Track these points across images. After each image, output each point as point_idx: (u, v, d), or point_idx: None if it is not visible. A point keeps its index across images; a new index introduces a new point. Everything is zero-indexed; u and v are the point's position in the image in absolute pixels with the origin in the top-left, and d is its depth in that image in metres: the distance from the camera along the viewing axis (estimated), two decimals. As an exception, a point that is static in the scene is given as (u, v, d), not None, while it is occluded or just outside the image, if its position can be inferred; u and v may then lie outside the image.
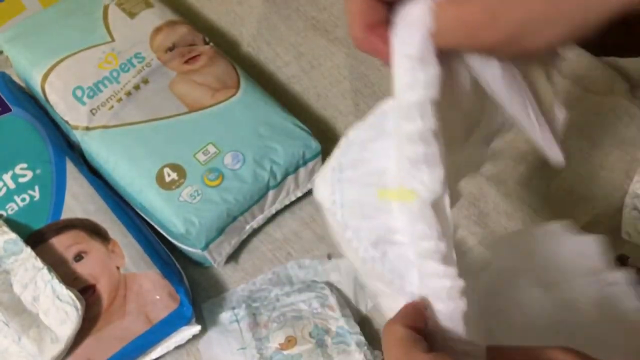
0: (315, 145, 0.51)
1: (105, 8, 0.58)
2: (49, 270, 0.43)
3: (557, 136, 0.30)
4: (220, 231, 0.48)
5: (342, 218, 0.28)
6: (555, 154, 0.29)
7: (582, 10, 0.23)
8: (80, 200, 0.49)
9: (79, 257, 0.46)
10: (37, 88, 0.54)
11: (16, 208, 0.48)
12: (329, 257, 0.52)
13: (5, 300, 0.43)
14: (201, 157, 0.50)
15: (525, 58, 0.25)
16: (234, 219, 0.49)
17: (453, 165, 0.29)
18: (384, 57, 0.27)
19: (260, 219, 0.52)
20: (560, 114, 0.30)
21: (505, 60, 0.26)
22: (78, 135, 0.52)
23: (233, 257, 0.52)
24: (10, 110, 0.53)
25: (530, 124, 0.28)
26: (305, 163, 0.51)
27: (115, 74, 0.54)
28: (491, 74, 0.26)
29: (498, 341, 0.28)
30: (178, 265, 0.49)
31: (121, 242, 0.47)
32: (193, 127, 0.51)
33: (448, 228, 0.26)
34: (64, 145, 0.53)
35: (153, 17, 0.58)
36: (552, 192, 0.55)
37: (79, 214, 0.48)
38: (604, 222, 0.54)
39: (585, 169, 0.56)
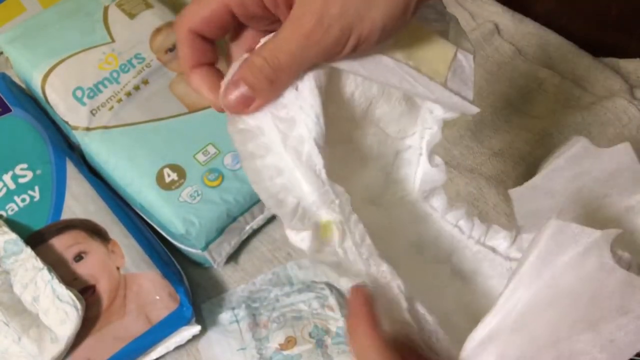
0: (315, 145, 0.51)
1: (105, 9, 0.58)
2: (49, 271, 0.43)
3: (466, 86, 0.31)
4: (220, 231, 0.48)
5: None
6: (463, 106, 0.31)
7: None
8: (80, 200, 0.49)
9: (79, 257, 0.46)
10: (37, 89, 0.54)
11: (16, 208, 0.48)
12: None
13: (5, 300, 0.43)
14: (201, 157, 0.50)
15: (372, 44, 0.26)
16: (234, 219, 0.49)
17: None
18: (209, 97, 0.29)
19: (260, 219, 0.52)
20: (467, 61, 0.31)
21: (364, 53, 0.28)
22: (78, 136, 0.52)
23: (233, 257, 0.52)
24: (10, 110, 0.53)
25: (425, 92, 0.30)
26: (305, 163, 0.51)
27: (115, 74, 0.54)
28: (360, 69, 0.28)
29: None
30: (178, 266, 0.50)
31: (121, 242, 0.47)
32: (193, 127, 0.51)
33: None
34: (64, 145, 0.53)
35: (153, 17, 0.58)
36: (552, 193, 0.55)
37: (79, 215, 0.48)
38: (603, 222, 0.54)
39: (585, 170, 0.56)
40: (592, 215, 0.34)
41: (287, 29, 0.25)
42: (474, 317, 0.35)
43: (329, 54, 0.26)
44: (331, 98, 0.30)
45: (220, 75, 0.29)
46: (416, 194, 0.38)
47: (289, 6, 0.25)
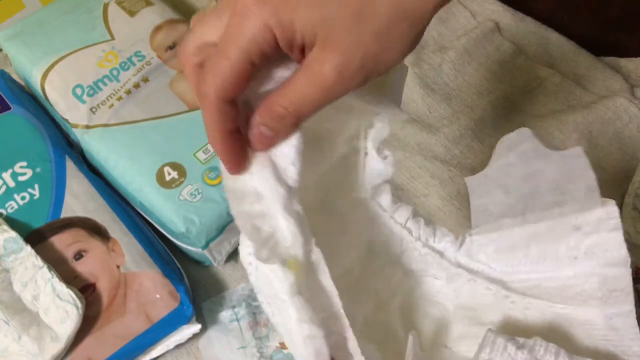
0: (315, 144, 0.51)
1: (105, 6, 0.58)
2: (49, 269, 0.43)
3: (396, 100, 0.34)
4: (221, 230, 0.48)
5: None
6: (397, 114, 0.34)
7: (407, 28, 0.25)
8: (80, 198, 0.49)
9: (79, 255, 0.46)
10: (37, 86, 0.54)
11: (16, 206, 0.48)
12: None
13: (5, 298, 0.43)
14: (201, 155, 0.50)
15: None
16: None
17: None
18: (237, 165, 0.29)
19: (260, 217, 0.52)
20: (397, 76, 0.34)
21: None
22: (78, 134, 0.52)
23: (233, 256, 0.52)
24: (10, 108, 0.53)
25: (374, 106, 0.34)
26: (305, 162, 0.51)
27: (115, 72, 0.54)
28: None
29: None
30: (178, 264, 0.49)
31: (121, 240, 0.47)
32: (193, 125, 0.51)
33: None
34: (64, 143, 0.53)
35: (153, 15, 0.58)
36: (552, 192, 0.55)
37: (79, 213, 0.48)
38: (603, 221, 0.54)
39: (585, 169, 0.56)
40: (540, 233, 0.35)
41: (308, 79, 0.26)
42: (414, 325, 0.35)
43: (347, 93, 0.27)
44: None
45: (242, 141, 0.29)
46: (365, 194, 0.39)
47: (302, 50, 0.26)
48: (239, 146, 0.28)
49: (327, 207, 0.39)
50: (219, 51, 0.26)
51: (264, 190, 0.28)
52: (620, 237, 0.34)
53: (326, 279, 0.29)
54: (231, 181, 0.29)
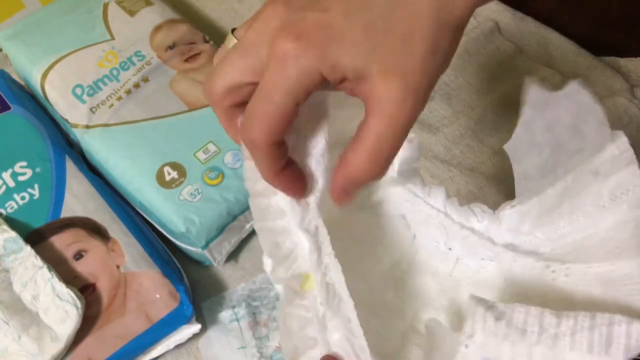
0: (315, 144, 0.51)
1: (105, 6, 0.58)
2: (49, 269, 0.43)
3: None
4: (221, 230, 0.48)
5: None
6: None
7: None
8: (80, 198, 0.49)
9: (78, 255, 0.46)
10: (37, 86, 0.54)
11: (16, 206, 0.48)
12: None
13: (5, 298, 0.43)
14: (201, 155, 0.50)
15: None
16: (234, 217, 0.49)
17: None
18: (299, 193, 0.29)
19: (260, 217, 0.52)
20: None
21: None
22: (78, 134, 0.52)
23: (233, 256, 0.52)
24: (9, 108, 0.53)
25: None
26: (305, 162, 0.51)
27: (115, 72, 0.54)
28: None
29: None
30: (178, 264, 0.49)
31: (121, 240, 0.47)
32: (193, 125, 0.51)
33: None
34: (64, 143, 0.53)
35: (153, 15, 0.58)
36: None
37: (79, 213, 0.48)
38: (603, 221, 0.54)
39: (585, 169, 0.56)
40: (568, 187, 0.33)
41: (382, 114, 0.25)
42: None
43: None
44: None
45: (296, 168, 0.30)
46: (396, 182, 0.38)
47: (354, 83, 0.25)
48: (294, 177, 0.29)
49: (364, 205, 0.38)
50: (262, 97, 0.25)
51: (285, 207, 0.29)
52: (637, 170, 0.30)
53: (346, 303, 0.28)
54: (256, 198, 0.29)
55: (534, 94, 0.37)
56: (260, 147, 0.26)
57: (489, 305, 0.28)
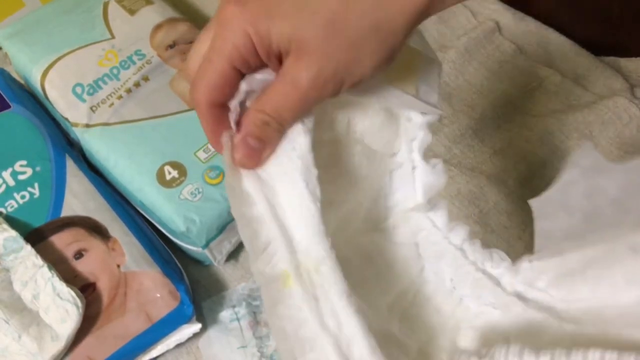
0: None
1: (105, 5, 0.58)
2: (49, 268, 0.43)
3: (433, 92, 0.34)
4: (221, 229, 0.48)
5: None
6: (431, 110, 0.34)
7: (382, 40, 0.26)
8: (80, 197, 0.48)
9: (79, 255, 0.46)
10: (37, 85, 0.54)
11: (16, 205, 0.47)
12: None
13: (5, 298, 0.43)
14: (202, 155, 0.50)
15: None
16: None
17: None
18: (209, 135, 0.30)
19: (260, 217, 0.51)
20: (432, 69, 0.34)
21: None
22: (78, 133, 0.52)
23: (233, 255, 0.52)
24: (9, 107, 0.53)
25: (398, 103, 0.33)
26: (306, 161, 0.51)
27: (115, 71, 0.54)
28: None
29: None
30: (178, 264, 0.49)
31: (121, 240, 0.47)
32: (194, 124, 0.51)
33: None
34: (64, 142, 0.53)
35: (153, 14, 0.57)
36: (553, 192, 0.55)
37: (79, 212, 0.48)
38: (603, 221, 0.54)
39: (586, 169, 0.56)
40: (597, 256, 0.33)
41: (285, 86, 0.27)
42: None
43: (324, 100, 0.28)
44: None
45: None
46: (418, 209, 0.37)
47: (279, 59, 0.27)
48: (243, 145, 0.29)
49: (379, 227, 0.38)
50: (205, 59, 0.27)
51: (253, 193, 0.28)
52: None
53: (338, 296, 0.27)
54: (227, 179, 0.29)
55: (585, 157, 0.37)
56: (200, 107, 0.28)
57: (472, 352, 0.29)
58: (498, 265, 0.36)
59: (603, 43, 0.62)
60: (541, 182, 0.55)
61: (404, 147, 0.36)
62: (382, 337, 0.32)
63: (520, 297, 0.35)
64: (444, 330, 0.37)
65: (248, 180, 0.28)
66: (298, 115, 0.28)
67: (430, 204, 0.37)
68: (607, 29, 0.62)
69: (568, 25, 0.63)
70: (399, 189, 0.37)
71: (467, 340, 0.35)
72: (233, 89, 0.28)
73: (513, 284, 0.35)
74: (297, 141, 0.28)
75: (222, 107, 0.29)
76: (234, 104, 0.29)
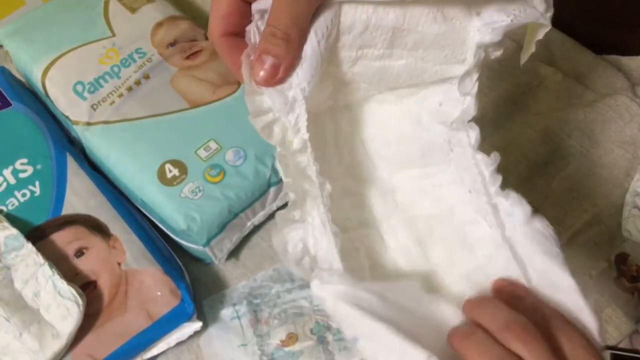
0: (316, 142, 0.51)
1: (106, 3, 0.58)
2: (50, 266, 0.43)
3: None
4: (222, 228, 0.48)
5: None
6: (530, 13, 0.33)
7: None
8: (81, 196, 0.48)
9: (79, 253, 0.46)
10: (38, 83, 0.54)
11: (17, 203, 0.48)
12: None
13: (6, 296, 0.43)
14: (202, 153, 0.50)
15: None
16: (236, 215, 0.49)
17: None
18: (230, 65, 0.33)
19: (261, 215, 0.52)
20: None
21: None
22: (79, 131, 0.52)
23: (234, 253, 0.52)
24: (10, 105, 0.53)
25: None
26: (306, 160, 0.51)
27: (116, 69, 0.53)
28: None
29: None
30: (179, 262, 0.49)
31: (122, 238, 0.47)
32: (194, 123, 0.51)
33: None
34: (65, 140, 0.53)
35: (154, 12, 0.57)
36: (554, 190, 0.55)
37: (80, 210, 0.48)
38: (604, 220, 0.54)
39: (586, 167, 0.56)
40: None
41: None
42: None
43: None
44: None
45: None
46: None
47: None
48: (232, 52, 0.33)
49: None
50: None
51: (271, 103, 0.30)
52: None
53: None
54: (248, 96, 0.31)
55: None
56: (215, 39, 0.32)
57: None
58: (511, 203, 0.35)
59: (604, 41, 0.62)
60: (541, 180, 0.55)
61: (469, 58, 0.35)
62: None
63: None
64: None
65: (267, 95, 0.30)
66: (296, 18, 0.29)
67: (458, 124, 0.37)
68: (609, 28, 0.62)
69: (569, 23, 0.63)
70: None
71: None
72: (244, 18, 0.31)
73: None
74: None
75: (233, 38, 0.31)
76: (250, 27, 0.31)
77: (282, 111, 0.30)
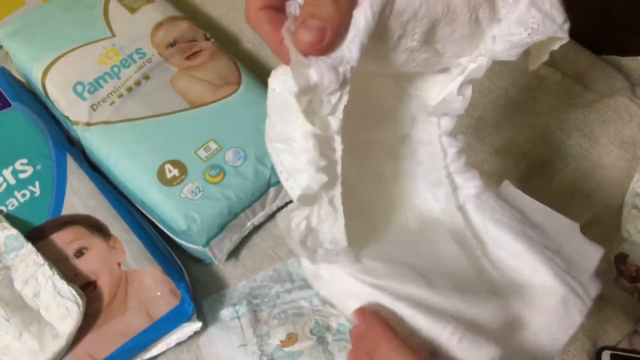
0: (316, 142, 0.51)
1: (106, 3, 0.58)
2: (50, 266, 0.43)
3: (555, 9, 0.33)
4: (222, 228, 0.48)
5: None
6: (549, 27, 0.33)
7: None
8: (81, 196, 0.49)
9: (79, 253, 0.46)
10: (38, 83, 0.54)
11: (17, 204, 0.48)
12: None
13: (6, 296, 0.43)
14: (202, 153, 0.50)
15: None
16: (235, 215, 0.49)
17: None
18: (270, 41, 0.29)
19: (261, 215, 0.52)
20: None
21: None
22: (79, 131, 0.52)
23: (234, 253, 0.52)
24: (10, 105, 0.53)
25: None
26: (306, 160, 0.51)
27: (116, 69, 0.54)
28: None
29: None
30: (179, 262, 0.49)
31: (122, 238, 0.47)
32: (194, 123, 0.51)
33: None
34: (65, 141, 0.53)
35: (154, 12, 0.57)
36: (553, 190, 0.55)
37: (80, 210, 0.48)
38: (604, 220, 0.54)
39: (586, 168, 0.56)
40: None
41: None
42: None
43: None
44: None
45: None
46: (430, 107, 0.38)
47: None
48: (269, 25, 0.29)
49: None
50: None
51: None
52: None
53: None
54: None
55: None
56: (252, 13, 0.28)
57: None
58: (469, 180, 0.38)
59: (604, 42, 0.62)
60: (542, 180, 0.55)
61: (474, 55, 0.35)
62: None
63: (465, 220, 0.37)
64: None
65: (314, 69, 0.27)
66: None
67: (438, 113, 0.38)
68: (608, 28, 0.62)
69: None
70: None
71: None
72: None
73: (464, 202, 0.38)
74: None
75: (274, 11, 0.28)
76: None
77: (330, 89, 0.27)
